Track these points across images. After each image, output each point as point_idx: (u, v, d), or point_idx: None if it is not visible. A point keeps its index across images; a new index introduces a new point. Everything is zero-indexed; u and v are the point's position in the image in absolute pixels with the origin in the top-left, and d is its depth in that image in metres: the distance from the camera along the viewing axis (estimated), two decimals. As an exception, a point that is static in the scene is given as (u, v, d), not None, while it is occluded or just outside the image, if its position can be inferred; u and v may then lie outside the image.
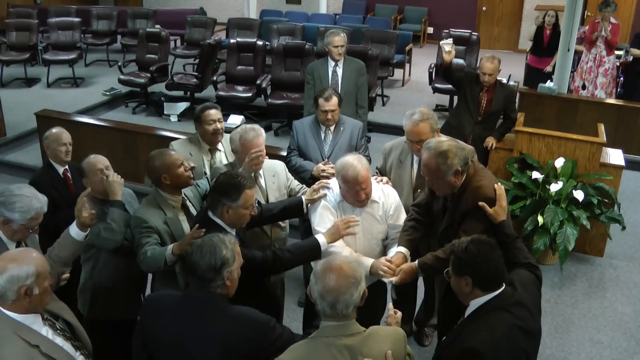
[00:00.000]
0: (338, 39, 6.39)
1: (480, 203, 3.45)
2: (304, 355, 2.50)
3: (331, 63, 6.52)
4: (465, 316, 2.81)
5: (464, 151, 3.51)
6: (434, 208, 3.80)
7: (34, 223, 3.22)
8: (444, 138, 3.62)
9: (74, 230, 3.35)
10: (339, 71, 6.49)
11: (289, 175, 4.47)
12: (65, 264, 3.37)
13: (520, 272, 3.04)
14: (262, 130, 4.13)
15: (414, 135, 4.14)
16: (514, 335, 2.67)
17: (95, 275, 3.93)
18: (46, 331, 2.69)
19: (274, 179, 4.29)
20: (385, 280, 3.60)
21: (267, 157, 4.15)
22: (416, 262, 3.58)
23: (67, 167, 4.74)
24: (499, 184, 3.59)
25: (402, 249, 3.70)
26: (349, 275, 2.50)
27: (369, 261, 3.68)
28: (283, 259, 3.41)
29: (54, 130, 4.72)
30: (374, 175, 4.09)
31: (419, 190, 4.30)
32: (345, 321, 2.52)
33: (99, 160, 4.01)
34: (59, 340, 2.73)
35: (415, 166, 4.34)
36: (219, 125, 4.60)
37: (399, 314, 3.01)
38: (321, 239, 3.54)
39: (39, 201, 3.22)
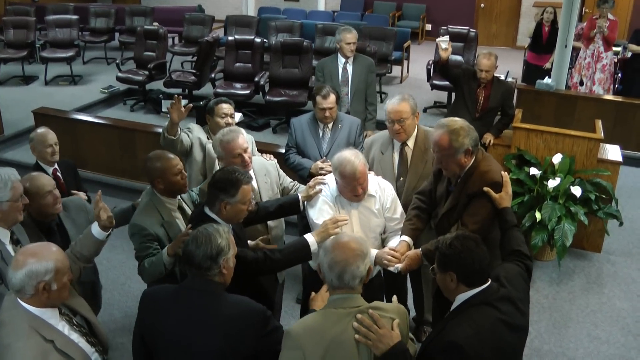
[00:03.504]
0: (350, 36, 6.36)
1: (485, 188, 3.50)
2: (314, 323, 2.63)
3: (341, 60, 6.49)
4: (451, 311, 2.82)
5: (474, 132, 3.58)
6: (437, 191, 3.84)
7: (17, 193, 3.24)
8: (457, 118, 3.66)
9: (95, 229, 3.30)
10: (349, 68, 6.46)
11: (281, 172, 4.46)
12: (87, 260, 3.36)
13: (507, 266, 3.05)
14: (242, 130, 4.07)
15: (396, 114, 4.28)
16: (498, 330, 2.67)
17: None
18: (62, 326, 2.72)
19: (266, 178, 4.28)
20: (391, 268, 3.62)
21: (260, 153, 4.16)
22: (420, 249, 3.60)
23: (55, 166, 4.72)
24: (506, 172, 3.64)
25: (406, 238, 3.74)
26: (356, 248, 2.67)
27: (373, 252, 3.69)
28: (273, 259, 3.41)
29: (40, 130, 4.68)
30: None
31: (401, 178, 4.39)
32: (352, 293, 2.65)
33: (45, 183, 3.62)
34: (75, 336, 2.75)
35: (396, 156, 4.42)
36: (230, 120, 4.70)
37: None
38: (310, 238, 3.53)
39: (5, 172, 3.24)
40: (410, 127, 4.32)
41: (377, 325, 2.56)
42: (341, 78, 6.45)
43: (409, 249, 3.68)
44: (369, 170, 4.33)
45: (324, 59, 6.83)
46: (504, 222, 3.46)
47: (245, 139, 4.04)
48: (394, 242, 3.80)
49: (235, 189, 3.29)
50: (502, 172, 3.60)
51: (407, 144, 4.39)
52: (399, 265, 3.58)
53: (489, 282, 2.78)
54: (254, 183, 4.15)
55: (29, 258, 2.55)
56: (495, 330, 2.67)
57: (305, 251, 3.51)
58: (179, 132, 4.58)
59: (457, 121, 3.57)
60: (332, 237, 2.77)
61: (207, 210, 3.39)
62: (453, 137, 3.49)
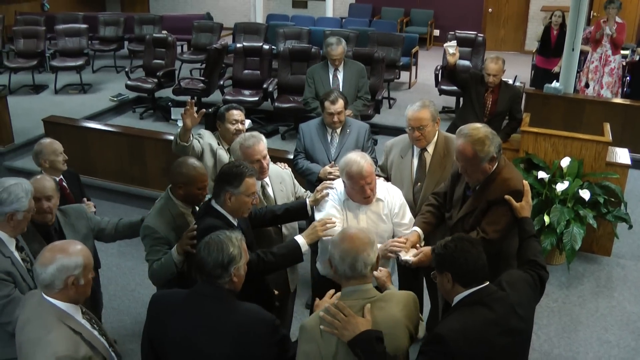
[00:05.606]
0: (334, 53, 6.45)
1: (507, 196, 3.49)
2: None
3: (331, 67, 6.55)
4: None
5: (497, 137, 3.55)
6: (454, 195, 3.82)
7: (32, 204, 3.32)
8: (478, 125, 3.60)
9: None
10: (340, 75, 6.51)
11: (295, 181, 4.48)
12: None
13: (512, 272, 3.04)
14: (262, 136, 4.10)
15: (416, 121, 4.24)
16: (488, 331, 2.67)
17: None
18: (84, 323, 2.80)
19: (282, 186, 4.29)
20: (402, 257, 3.61)
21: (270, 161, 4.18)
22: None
23: (61, 176, 4.63)
24: (527, 181, 3.63)
25: (417, 229, 3.75)
26: (364, 237, 2.78)
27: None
28: (266, 260, 3.47)
29: (46, 141, 4.56)
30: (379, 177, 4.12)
31: (419, 183, 4.35)
32: (364, 282, 2.76)
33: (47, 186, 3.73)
34: (96, 333, 2.84)
35: (415, 160, 4.40)
36: (240, 126, 4.74)
37: (384, 270, 3.22)
38: (300, 240, 3.62)
39: (25, 183, 3.30)
40: (430, 134, 4.29)
41: (344, 314, 2.63)
42: (332, 85, 6.49)
43: (419, 239, 3.70)
44: (385, 176, 4.35)
45: (314, 65, 6.89)
46: (523, 232, 3.44)
47: (265, 146, 4.08)
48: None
49: (239, 181, 3.38)
50: (524, 181, 3.58)
51: (426, 150, 4.37)
52: (410, 258, 3.57)
53: (487, 283, 2.79)
54: (269, 190, 4.19)
55: (58, 254, 2.66)
56: (484, 329, 2.68)
57: (296, 252, 3.60)
58: (191, 139, 4.60)
59: (479, 129, 3.51)
60: (339, 231, 2.88)
61: (213, 202, 3.47)
62: (478, 147, 3.45)
